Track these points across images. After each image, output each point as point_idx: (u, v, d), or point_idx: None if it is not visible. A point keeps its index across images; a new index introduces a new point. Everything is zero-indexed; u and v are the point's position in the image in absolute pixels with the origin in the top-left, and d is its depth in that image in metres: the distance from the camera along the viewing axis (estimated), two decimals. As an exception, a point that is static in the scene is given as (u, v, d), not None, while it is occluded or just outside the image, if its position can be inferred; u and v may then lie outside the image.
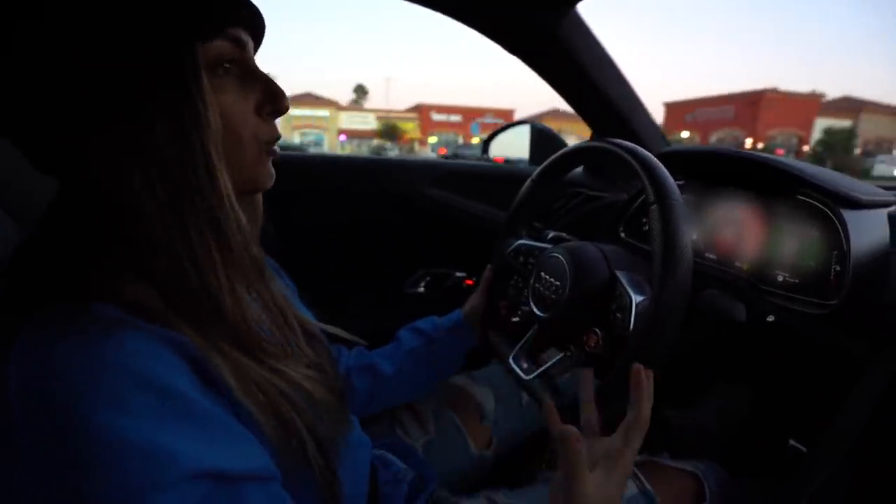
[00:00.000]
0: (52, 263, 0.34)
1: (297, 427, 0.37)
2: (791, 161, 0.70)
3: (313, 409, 0.40)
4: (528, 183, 0.78)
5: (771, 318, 0.68)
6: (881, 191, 0.66)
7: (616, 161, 0.60)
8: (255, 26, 0.41)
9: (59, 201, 0.36)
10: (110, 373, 0.29)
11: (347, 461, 0.45)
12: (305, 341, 0.50)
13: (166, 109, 0.33)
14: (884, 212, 0.64)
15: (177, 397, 0.30)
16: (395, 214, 1.15)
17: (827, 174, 0.66)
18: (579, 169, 1.23)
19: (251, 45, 0.41)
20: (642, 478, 0.68)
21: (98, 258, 0.34)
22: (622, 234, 0.95)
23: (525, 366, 0.69)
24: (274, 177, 0.44)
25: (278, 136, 0.43)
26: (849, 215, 0.61)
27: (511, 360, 0.70)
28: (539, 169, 0.76)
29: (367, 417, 0.78)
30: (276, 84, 0.41)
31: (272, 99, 0.41)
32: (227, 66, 0.38)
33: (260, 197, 0.48)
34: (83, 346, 0.29)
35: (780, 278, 0.68)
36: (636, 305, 0.58)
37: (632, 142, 0.62)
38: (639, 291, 0.59)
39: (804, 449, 0.69)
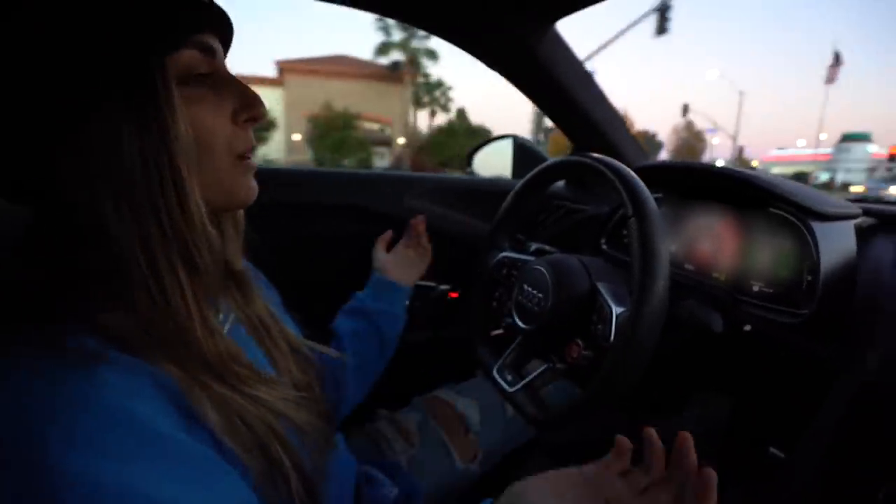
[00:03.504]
0: (26, 288, 0.32)
1: (282, 462, 0.36)
2: (764, 175, 0.72)
3: (298, 437, 0.39)
4: (510, 196, 0.79)
5: (748, 328, 0.69)
6: (848, 203, 0.69)
7: (595, 175, 0.62)
8: (223, 30, 0.39)
9: (35, 226, 0.35)
10: (85, 412, 0.27)
11: (332, 482, 0.44)
12: (292, 359, 0.49)
13: (133, 125, 0.31)
14: (851, 223, 0.67)
15: (155, 437, 0.29)
16: (379, 227, 1.16)
17: (798, 188, 0.68)
18: (561, 182, 1.25)
19: (220, 50, 0.39)
20: None
21: (75, 285, 0.32)
22: (604, 246, 0.96)
23: (509, 378, 0.69)
24: (256, 191, 0.42)
25: (254, 146, 0.41)
26: (818, 227, 0.63)
27: (495, 373, 0.70)
28: (521, 182, 0.77)
29: (351, 432, 0.77)
30: (250, 90, 0.39)
31: (248, 106, 0.39)
32: (198, 75, 0.36)
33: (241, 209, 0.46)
34: (57, 381, 0.27)
35: (756, 288, 0.70)
36: (616, 317, 0.59)
37: (611, 156, 0.64)
38: (619, 303, 0.60)
39: (783, 455, 0.70)
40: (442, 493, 0.76)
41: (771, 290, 0.68)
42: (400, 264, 0.84)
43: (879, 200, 0.85)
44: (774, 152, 47.17)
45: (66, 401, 0.27)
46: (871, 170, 37.11)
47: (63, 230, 0.33)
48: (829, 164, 37.94)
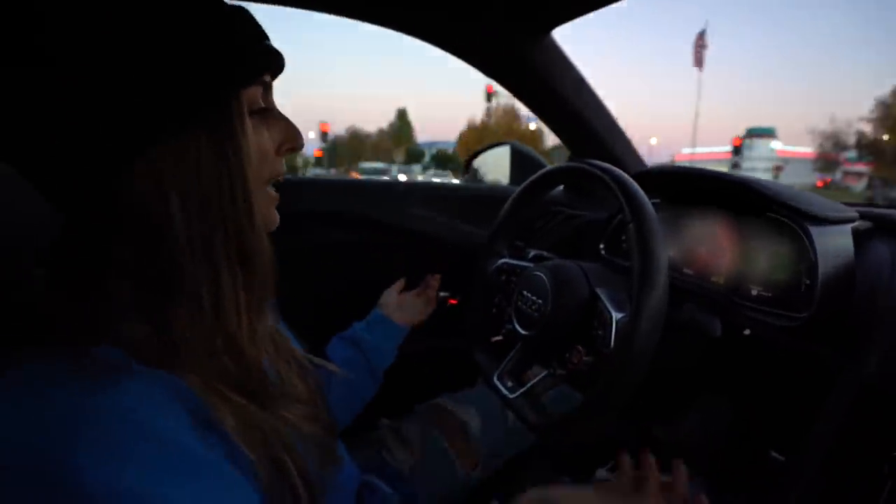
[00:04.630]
0: (53, 300, 0.33)
1: (290, 472, 0.37)
2: (761, 180, 0.73)
3: (307, 450, 0.40)
4: (508, 203, 0.79)
5: (747, 332, 0.70)
6: (845, 207, 0.69)
7: (593, 181, 0.62)
8: (280, 70, 0.43)
9: (68, 238, 0.35)
10: (109, 423, 0.28)
11: (334, 492, 0.45)
12: (296, 372, 0.49)
13: (212, 144, 0.34)
14: (848, 227, 0.67)
15: (176, 447, 0.30)
16: (377, 235, 1.16)
17: (795, 192, 0.69)
18: (560, 188, 1.25)
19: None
20: None
21: (106, 297, 0.34)
22: (603, 252, 0.97)
23: (510, 384, 0.69)
24: (277, 220, 0.45)
25: (283, 172, 0.44)
26: (815, 231, 0.63)
27: (495, 380, 0.70)
28: (519, 189, 0.78)
29: (352, 441, 0.77)
30: (293, 125, 0.43)
31: (291, 139, 0.43)
32: (259, 109, 0.40)
33: None
34: (79, 393, 0.28)
35: (755, 292, 0.70)
36: (616, 322, 0.59)
37: (609, 162, 0.64)
38: (619, 308, 0.60)
39: (783, 459, 0.70)
40: (443, 501, 0.76)
41: (769, 294, 0.68)
42: (403, 307, 0.87)
43: (871, 204, 0.86)
44: (686, 150, 46.66)
45: (89, 412, 0.28)
46: (777, 168, 36.22)
47: (110, 239, 0.34)
48: (732, 161, 36.65)
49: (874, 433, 0.56)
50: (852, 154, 33.04)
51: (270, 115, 0.42)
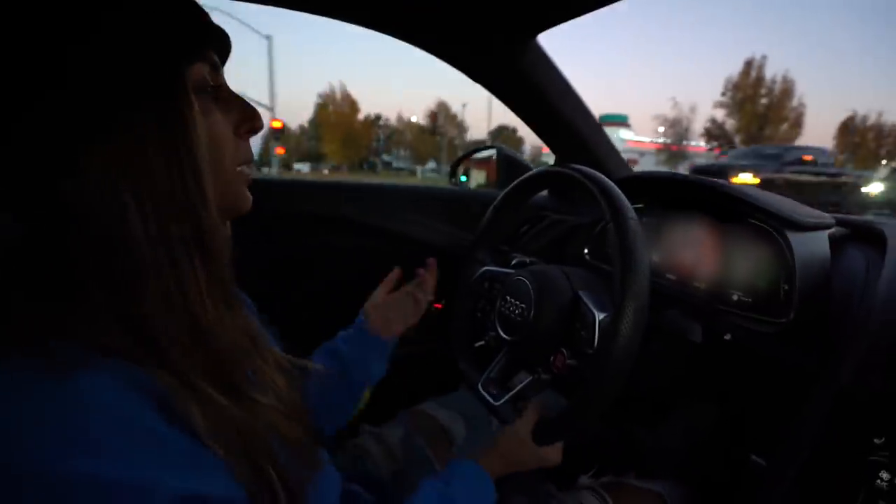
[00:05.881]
0: (12, 305, 0.32)
1: (269, 476, 0.36)
2: (741, 187, 0.74)
3: (285, 451, 0.39)
4: (490, 209, 0.79)
5: (728, 337, 0.70)
6: (821, 213, 0.71)
7: (575, 185, 0.62)
8: (225, 48, 0.42)
9: (27, 243, 0.34)
10: (77, 415, 0.28)
11: (315, 499, 0.44)
12: (277, 373, 0.48)
13: (157, 127, 0.33)
14: (825, 233, 0.68)
15: (146, 431, 0.29)
16: (361, 239, 1.15)
17: (774, 199, 0.70)
18: (545, 193, 1.26)
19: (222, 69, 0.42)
20: (609, 499, 0.68)
21: (64, 296, 0.33)
22: (587, 256, 0.97)
23: (494, 391, 0.69)
24: (250, 200, 0.44)
25: (252, 157, 0.43)
26: (793, 237, 0.64)
27: (480, 386, 0.70)
28: (501, 195, 0.78)
29: (334, 448, 0.76)
30: (250, 104, 0.42)
31: (248, 119, 0.42)
32: (208, 88, 0.38)
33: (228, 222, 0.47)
34: (45, 389, 0.28)
35: (736, 298, 0.70)
36: (599, 322, 0.59)
37: (594, 167, 0.64)
38: (602, 309, 0.60)
39: (764, 463, 0.71)
40: None
41: (750, 300, 0.69)
42: (390, 312, 0.78)
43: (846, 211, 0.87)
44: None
45: (57, 407, 0.27)
46: (630, 161, 33.66)
47: (66, 239, 0.33)
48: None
49: (851, 439, 0.57)
50: (702, 143, 28.34)
51: (222, 95, 0.40)
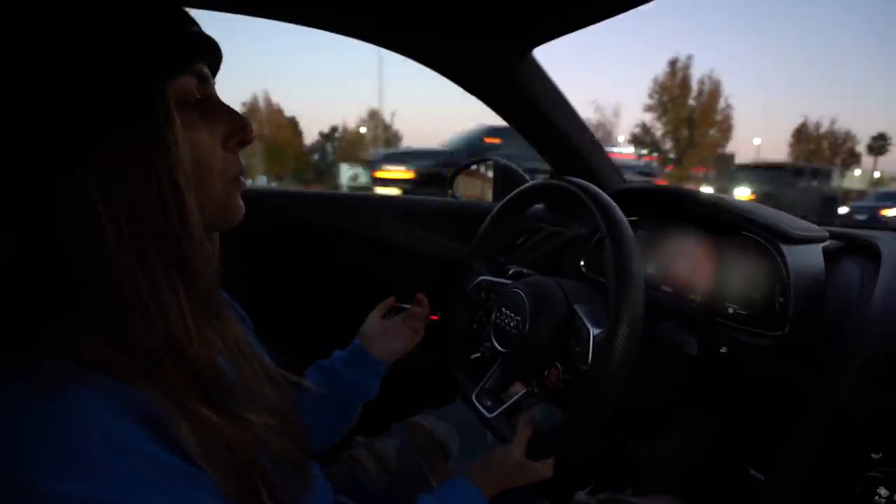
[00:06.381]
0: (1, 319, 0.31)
1: (260, 492, 0.36)
2: (736, 201, 0.74)
3: (277, 468, 0.39)
4: (487, 220, 0.79)
5: (724, 350, 0.70)
6: (815, 227, 0.71)
7: (571, 197, 0.62)
8: (215, 59, 0.41)
9: (12, 255, 0.34)
10: (69, 436, 0.27)
11: None
12: (267, 386, 0.47)
13: (137, 149, 0.32)
14: (818, 246, 0.68)
15: (138, 453, 0.29)
16: (357, 250, 1.14)
17: (768, 212, 0.70)
18: (541, 205, 1.26)
19: (210, 77, 0.40)
20: None
21: (52, 312, 0.32)
22: (583, 268, 0.97)
23: (489, 403, 0.68)
24: (243, 210, 0.43)
25: (243, 170, 0.42)
26: (788, 250, 0.64)
27: (474, 399, 0.69)
28: (497, 206, 0.78)
29: (327, 460, 0.75)
30: (241, 115, 0.41)
31: (238, 131, 0.40)
32: (194, 101, 0.37)
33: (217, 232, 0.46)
34: (36, 407, 0.27)
35: (731, 310, 0.70)
36: (594, 338, 0.59)
37: (590, 180, 0.64)
38: (596, 325, 0.60)
39: (762, 477, 0.70)
40: None
41: (745, 313, 0.69)
42: (387, 337, 0.76)
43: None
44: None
45: (42, 425, 0.27)
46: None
47: (49, 256, 0.32)
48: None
49: (848, 455, 0.56)
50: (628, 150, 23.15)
51: (210, 107, 0.39)
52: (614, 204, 0.58)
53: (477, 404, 0.68)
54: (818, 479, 0.58)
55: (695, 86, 22.87)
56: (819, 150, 27.60)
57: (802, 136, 27.84)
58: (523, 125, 1.07)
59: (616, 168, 1.15)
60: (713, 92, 22.88)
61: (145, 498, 0.28)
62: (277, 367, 0.53)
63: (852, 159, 28.06)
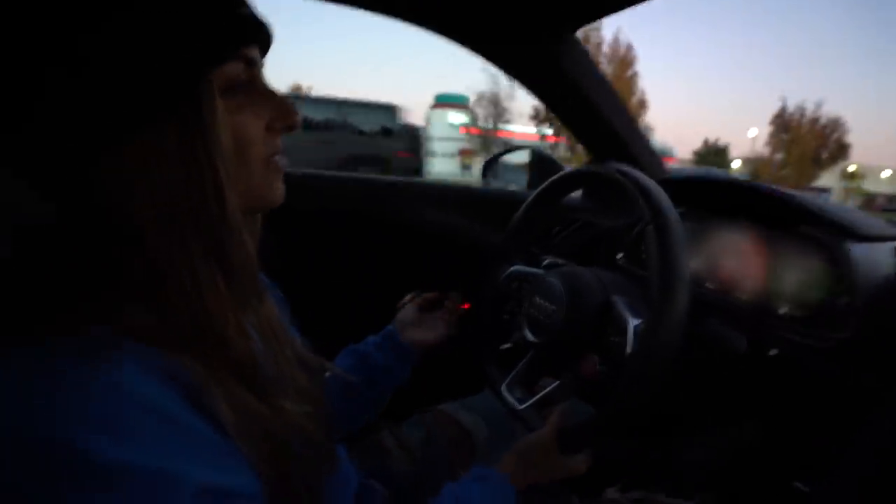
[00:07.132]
0: (42, 289, 0.32)
1: (290, 475, 0.36)
2: (793, 193, 0.69)
3: (306, 450, 0.39)
4: (523, 208, 0.76)
5: (774, 352, 0.66)
6: (886, 224, 0.65)
7: (612, 185, 0.59)
8: (265, 42, 0.40)
9: (58, 226, 0.34)
10: (112, 402, 0.27)
11: (332, 496, 0.43)
12: (298, 368, 0.48)
13: (179, 135, 0.32)
14: (890, 245, 0.63)
15: (177, 421, 0.29)
16: (391, 235, 1.14)
17: (831, 206, 0.65)
18: (578, 194, 1.22)
19: (259, 60, 0.40)
20: None
21: (96, 285, 0.32)
22: (620, 261, 0.93)
23: (519, 395, 0.67)
24: (284, 192, 0.42)
25: (281, 149, 0.42)
26: (854, 248, 0.59)
27: (504, 390, 0.68)
28: (534, 194, 0.75)
29: (352, 444, 0.75)
30: (286, 100, 0.40)
31: (284, 116, 0.40)
32: (239, 85, 0.37)
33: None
34: (81, 374, 0.28)
35: (784, 311, 0.66)
36: (633, 328, 0.56)
37: (631, 166, 0.61)
38: (636, 315, 0.58)
39: (807, 490, 0.66)
40: None
41: (800, 314, 0.64)
42: (421, 328, 0.78)
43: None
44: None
45: (89, 390, 0.27)
46: (466, 153, 22.34)
47: (93, 231, 0.33)
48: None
49: None
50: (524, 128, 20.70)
51: (255, 91, 0.38)
52: (662, 191, 0.55)
53: (507, 396, 0.67)
54: (870, 497, 0.54)
55: (607, 49, 19.04)
56: (799, 141, 22.54)
57: (779, 125, 23.25)
58: (564, 109, 1.04)
59: (658, 157, 1.10)
60: (625, 60, 19.28)
61: (184, 467, 0.28)
62: (309, 350, 0.53)
63: (841, 152, 22.92)
